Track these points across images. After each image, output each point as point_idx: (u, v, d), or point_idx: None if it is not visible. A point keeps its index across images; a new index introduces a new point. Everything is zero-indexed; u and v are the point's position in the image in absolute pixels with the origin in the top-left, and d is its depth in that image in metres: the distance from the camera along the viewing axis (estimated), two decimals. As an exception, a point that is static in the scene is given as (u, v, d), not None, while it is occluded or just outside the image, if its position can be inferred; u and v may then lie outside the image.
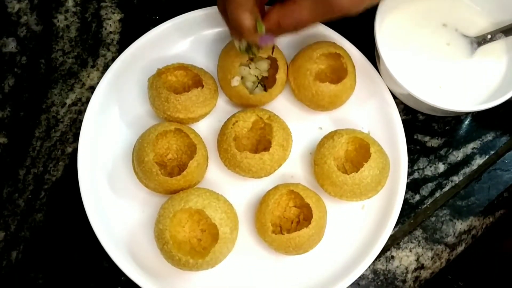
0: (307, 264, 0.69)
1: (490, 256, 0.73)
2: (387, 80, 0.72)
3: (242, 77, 0.70)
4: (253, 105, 0.71)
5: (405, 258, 0.72)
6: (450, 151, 0.75)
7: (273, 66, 0.71)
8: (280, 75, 0.70)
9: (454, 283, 0.72)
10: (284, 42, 0.74)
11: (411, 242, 0.72)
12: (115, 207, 0.70)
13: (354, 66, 0.71)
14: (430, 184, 0.74)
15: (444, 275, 0.71)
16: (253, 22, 0.59)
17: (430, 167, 0.75)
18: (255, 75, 0.71)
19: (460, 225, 0.73)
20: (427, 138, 0.76)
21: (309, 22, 0.58)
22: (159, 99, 0.68)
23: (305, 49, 0.71)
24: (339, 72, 0.71)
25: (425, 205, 0.73)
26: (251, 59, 0.71)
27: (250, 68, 0.71)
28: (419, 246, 0.72)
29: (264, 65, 0.72)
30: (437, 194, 0.74)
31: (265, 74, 0.72)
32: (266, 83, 0.72)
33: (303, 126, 0.73)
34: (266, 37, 0.61)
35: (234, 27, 0.60)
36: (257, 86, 0.72)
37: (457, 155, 0.75)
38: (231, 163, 0.68)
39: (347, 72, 0.69)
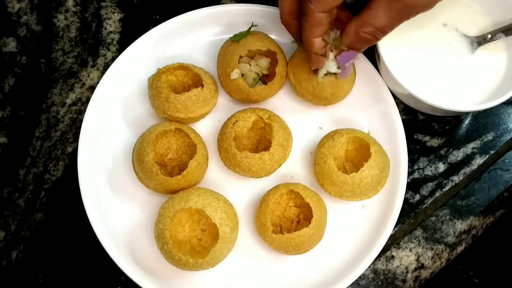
0: (307, 264, 0.69)
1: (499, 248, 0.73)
2: (387, 80, 0.72)
3: (242, 74, 0.70)
4: (253, 100, 0.71)
5: (405, 258, 0.72)
6: (450, 150, 0.75)
7: (273, 64, 0.71)
8: (280, 69, 0.70)
9: (464, 273, 0.71)
10: (286, 41, 0.74)
11: (411, 242, 0.72)
12: (115, 207, 0.70)
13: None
14: (430, 184, 0.74)
15: (446, 273, 0.72)
16: (322, 48, 0.62)
17: (430, 166, 0.75)
18: (255, 72, 0.71)
19: (460, 225, 0.73)
20: (427, 138, 0.76)
21: (387, 27, 0.59)
22: (159, 98, 0.68)
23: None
24: None
25: (425, 205, 0.73)
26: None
27: (250, 65, 0.71)
28: (419, 246, 0.72)
29: (264, 63, 0.72)
30: (437, 194, 0.74)
31: (265, 72, 0.72)
32: (266, 80, 0.72)
33: (303, 126, 0.73)
34: (346, 54, 0.62)
35: (306, 48, 0.63)
36: (257, 82, 0.72)
37: (457, 155, 0.75)
38: (231, 163, 0.68)
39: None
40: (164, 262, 0.65)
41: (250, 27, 0.71)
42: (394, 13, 0.57)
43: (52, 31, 0.79)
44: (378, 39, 0.60)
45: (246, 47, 0.69)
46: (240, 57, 0.69)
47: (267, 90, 0.70)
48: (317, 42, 0.62)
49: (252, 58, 0.72)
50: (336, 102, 0.72)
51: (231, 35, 0.71)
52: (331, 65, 0.65)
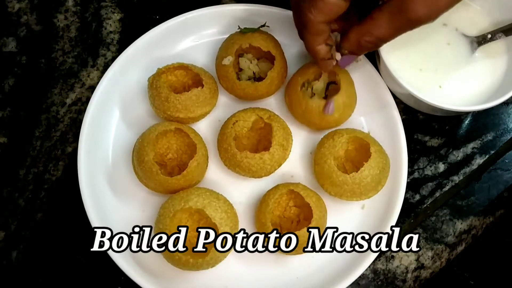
0: (307, 264, 0.69)
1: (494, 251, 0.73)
2: (387, 80, 0.72)
3: (241, 69, 0.70)
4: (236, 93, 0.71)
5: (405, 258, 0.72)
6: (450, 150, 0.75)
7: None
8: (272, 73, 0.69)
9: (460, 274, 0.72)
10: (283, 40, 0.74)
11: (411, 242, 0.72)
12: (115, 207, 0.70)
13: (352, 82, 0.70)
14: (430, 184, 0.74)
15: (447, 271, 0.71)
16: (327, 52, 0.62)
17: (430, 166, 0.75)
18: (253, 71, 0.71)
19: (460, 225, 0.73)
20: (427, 138, 0.76)
21: (388, 37, 0.59)
22: (159, 98, 0.68)
23: (301, 68, 0.72)
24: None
25: (425, 205, 0.73)
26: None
27: (251, 62, 0.71)
28: (419, 245, 0.72)
29: (265, 67, 0.72)
30: (437, 194, 0.74)
31: (263, 76, 0.71)
32: None
33: (303, 126, 0.73)
34: (346, 57, 0.64)
35: (311, 56, 0.64)
36: (249, 81, 0.72)
37: (457, 155, 0.75)
38: (231, 163, 0.68)
39: (339, 88, 0.68)
40: (164, 262, 0.65)
41: (261, 25, 0.72)
42: (397, 25, 0.57)
43: (52, 31, 0.79)
44: (378, 46, 0.62)
45: (249, 40, 0.69)
46: (242, 49, 0.70)
47: (252, 88, 0.70)
48: (322, 49, 0.62)
49: (258, 60, 0.72)
50: (330, 127, 0.71)
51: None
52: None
